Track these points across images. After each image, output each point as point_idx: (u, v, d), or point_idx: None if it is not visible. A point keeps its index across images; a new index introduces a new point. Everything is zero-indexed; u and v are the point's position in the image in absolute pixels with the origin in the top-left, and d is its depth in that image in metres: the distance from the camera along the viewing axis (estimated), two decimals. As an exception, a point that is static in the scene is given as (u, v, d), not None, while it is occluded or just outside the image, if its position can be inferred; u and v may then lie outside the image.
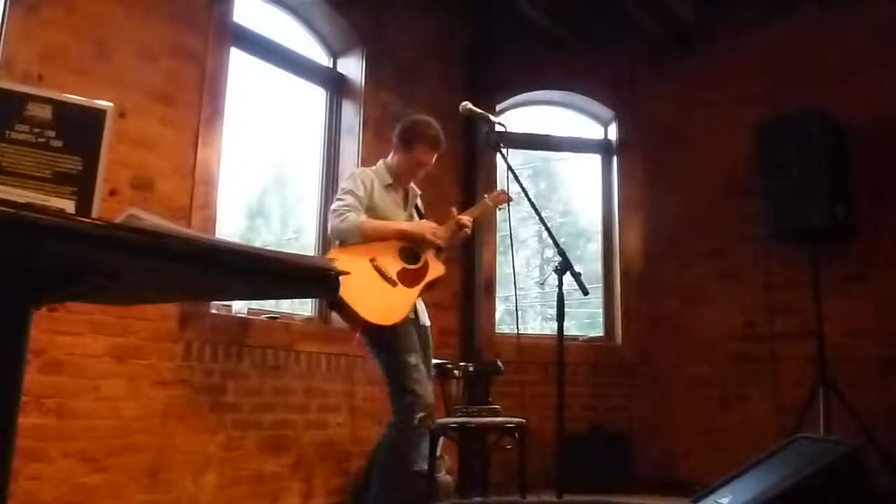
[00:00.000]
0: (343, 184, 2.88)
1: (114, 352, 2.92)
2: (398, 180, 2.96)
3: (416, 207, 3.07)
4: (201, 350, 3.23)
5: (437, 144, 2.94)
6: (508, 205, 3.07)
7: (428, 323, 2.95)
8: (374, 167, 3.00)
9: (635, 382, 4.74)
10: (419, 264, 2.84)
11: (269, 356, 3.50)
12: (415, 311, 2.86)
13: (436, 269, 2.88)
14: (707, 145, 4.84)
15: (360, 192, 2.83)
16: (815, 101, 4.17)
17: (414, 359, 2.71)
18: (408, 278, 2.78)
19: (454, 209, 3.02)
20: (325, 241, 4.12)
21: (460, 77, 4.80)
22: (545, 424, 3.77)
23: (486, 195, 3.15)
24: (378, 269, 2.73)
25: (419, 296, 2.82)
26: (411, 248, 2.85)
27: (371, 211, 2.84)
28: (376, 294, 2.69)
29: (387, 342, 2.71)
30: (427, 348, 2.90)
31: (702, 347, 4.65)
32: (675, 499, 3.79)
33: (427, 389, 2.72)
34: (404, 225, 2.90)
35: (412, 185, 3.04)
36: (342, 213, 2.74)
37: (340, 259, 2.66)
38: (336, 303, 2.64)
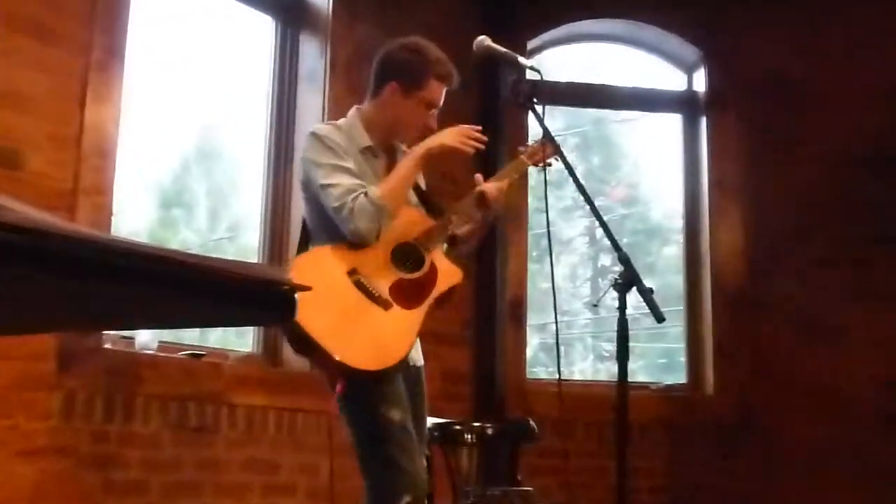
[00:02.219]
0: (311, 157, 2.79)
1: (-39, 406, 2.93)
2: (381, 141, 2.94)
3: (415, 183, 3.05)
4: (89, 403, 3.23)
5: (453, 77, 2.91)
6: (545, 169, 3.03)
7: (421, 361, 2.94)
8: (339, 122, 2.94)
9: (733, 452, 4.73)
10: (423, 269, 2.80)
11: (190, 412, 3.50)
12: None
13: (448, 274, 2.84)
14: (838, 104, 4.85)
15: (346, 162, 2.78)
16: None
17: (399, 415, 2.68)
18: (406, 294, 2.74)
19: (479, 175, 2.99)
20: (276, 242, 4.14)
21: (473, 1, 4.80)
22: (599, 514, 3.76)
23: (521, 148, 3.12)
24: (361, 286, 2.69)
25: (424, 319, 2.77)
26: (412, 245, 2.83)
27: None
28: (361, 324, 2.66)
29: (361, 390, 2.70)
30: (419, 399, 2.88)
31: (831, 402, 4.65)
32: None
33: (418, 462, 2.71)
34: (419, 147, 2.84)
35: (401, 147, 3.00)
36: (352, 209, 2.68)
37: (302, 274, 2.64)
38: (301, 342, 2.59)
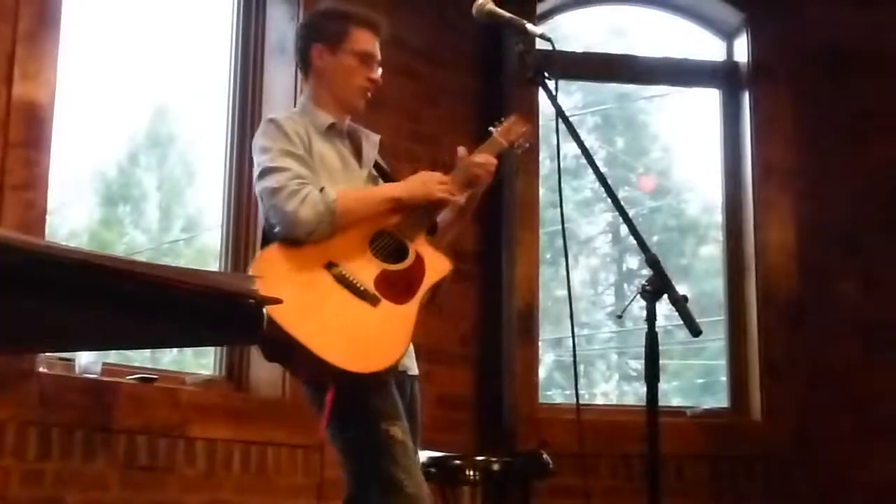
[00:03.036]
0: (260, 142, 2.91)
1: None
2: (339, 116, 3.05)
3: (378, 165, 3.13)
4: (22, 438, 3.22)
5: (378, 22, 3.07)
6: (519, 151, 3.16)
7: (414, 370, 2.99)
8: (294, 109, 3.11)
9: (786, 489, 4.73)
10: (408, 260, 2.88)
11: (140, 448, 3.50)
12: None
13: (436, 263, 2.92)
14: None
15: (301, 151, 2.88)
16: None
17: (401, 432, 2.74)
18: (394, 287, 2.80)
19: (462, 149, 3.08)
20: (240, 244, 4.13)
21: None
22: (628, 565, 3.76)
23: (493, 127, 3.19)
24: (343, 280, 2.76)
25: (418, 315, 2.82)
26: (390, 234, 2.88)
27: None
28: (347, 322, 2.72)
29: (354, 401, 2.72)
30: (413, 417, 2.92)
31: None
32: None
33: (422, 483, 2.75)
34: (396, 188, 2.97)
35: (361, 128, 3.13)
36: (296, 192, 2.77)
37: (273, 272, 2.72)
38: (276, 345, 2.63)
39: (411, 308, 2.80)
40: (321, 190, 2.78)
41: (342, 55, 3.00)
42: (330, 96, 3.04)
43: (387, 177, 3.11)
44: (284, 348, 2.62)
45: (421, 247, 2.92)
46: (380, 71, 3.06)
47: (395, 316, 2.77)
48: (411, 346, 2.94)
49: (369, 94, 3.06)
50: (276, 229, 2.82)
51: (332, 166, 2.95)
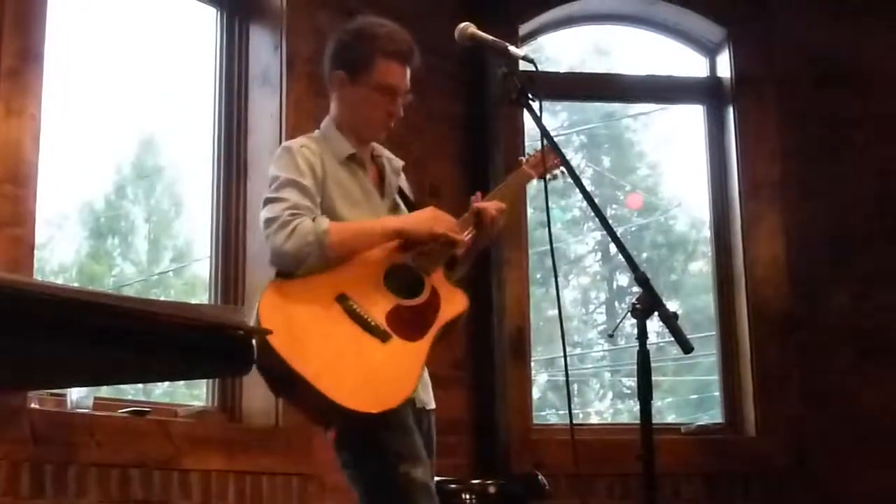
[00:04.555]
0: (272, 169, 2.86)
1: None
2: (360, 144, 2.98)
3: (402, 192, 3.08)
4: (15, 475, 3.20)
5: (407, 52, 2.95)
6: (545, 180, 3.07)
7: (431, 404, 2.95)
8: (314, 134, 3.01)
9: None
10: (423, 295, 2.82)
11: (134, 482, 3.47)
12: None
13: (452, 300, 2.86)
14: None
15: (307, 181, 2.82)
16: None
17: (422, 473, 2.69)
18: (406, 323, 2.74)
19: (478, 194, 3.04)
20: (229, 273, 4.13)
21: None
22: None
23: (522, 158, 3.15)
24: (353, 314, 2.70)
25: (430, 353, 2.76)
26: (408, 267, 2.84)
27: (329, 213, 2.84)
28: (355, 358, 2.65)
29: (372, 443, 2.69)
30: (430, 451, 2.89)
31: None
32: None
33: None
34: (397, 221, 2.90)
35: (385, 153, 3.05)
36: (286, 223, 2.70)
37: (283, 303, 2.66)
38: (282, 381, 2.60)
39: (423, 345, 2.73)
40: (313, 219, 2.72)
41: (364, 87, 2.92)
42: (350, 124, 2.97)
43: (410, 204, 3.05)
44: (289, 384, 2.57)
45: (438, 282, 2.86)
46: (409, 97, 2.96)
47: (404, 353, 2.70)
48: (428, 380, 2.90)
49: (391, 125, 2.98)
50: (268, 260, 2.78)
51: (353, 196, 2.89)
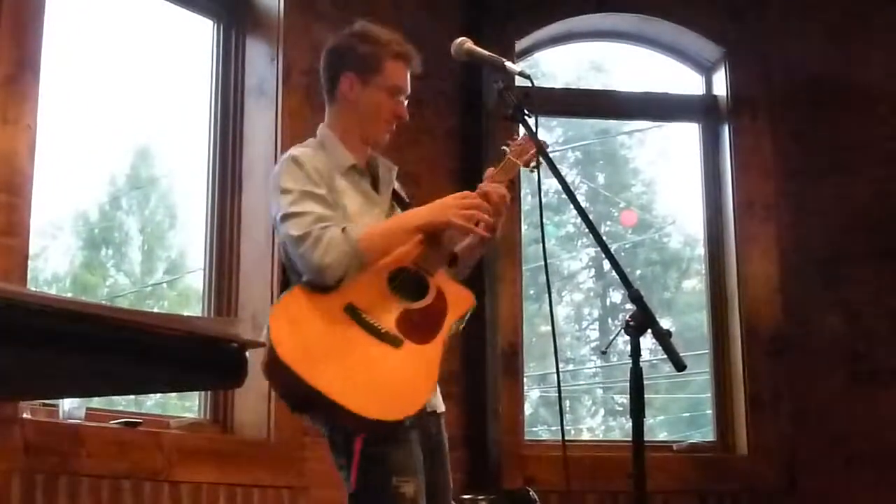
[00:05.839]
0: (281, 182, 2.82)
1: None
2: (361, 153, 2.98)
3: (395, 193, 3.06)
4: (5, 485, 3.19)
5: (413, 54, 2.97)
6: (539, 169, 3.04)
7: (441, 407, 2.94)
8: (313, 141, 2.99)
9: (774, 522, 4.72)
10: (429, 297, 2.79)
11: (125, 493, 3.47)
12: None
13: (459, 298, 2.85)
14: (891, 106, 4.88)
15: (323, 190, 2.80)
16: None
17: (413, 489, 2.67)
18: (417, 326, 2.71)
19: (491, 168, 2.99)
20: (223, 285, 4.13)
21: (451, -5, 4.86)
22: None
23: (505, 147, 3.12)
24: (364, 323, 2.67)
25: (443, 353, 2.74)
26: (410, 269, 2.81)
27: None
28: (369, 366, 2.62)
29: (375, 454, 2.66)
30: (438, 456, 2.89)
31: (891, 460, 4.63)
32: None
33: None
34: (417, 215, 2.86)
35: (378, 157, 3.04)
36: (319, 238, 2.68)
37: (295, 318, 2.63)
38: (300, 397, 2.57)
39: (435, 348, 2.71)
40: (343, 229, 2.70)
41: (374, 87, 2.92)
42: (355, 128, 2.95)
43: (404, 205, 3.04)
44: (305, 398, 2.55)
45: (442, 281, 2.84)
46: (405, 103, 2.97)
47: (418, 357, 2.68)
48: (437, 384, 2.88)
49: (394, 127, 2.99)
50: (304, 277, 2.72)
51: (355, 206, 2.87)
